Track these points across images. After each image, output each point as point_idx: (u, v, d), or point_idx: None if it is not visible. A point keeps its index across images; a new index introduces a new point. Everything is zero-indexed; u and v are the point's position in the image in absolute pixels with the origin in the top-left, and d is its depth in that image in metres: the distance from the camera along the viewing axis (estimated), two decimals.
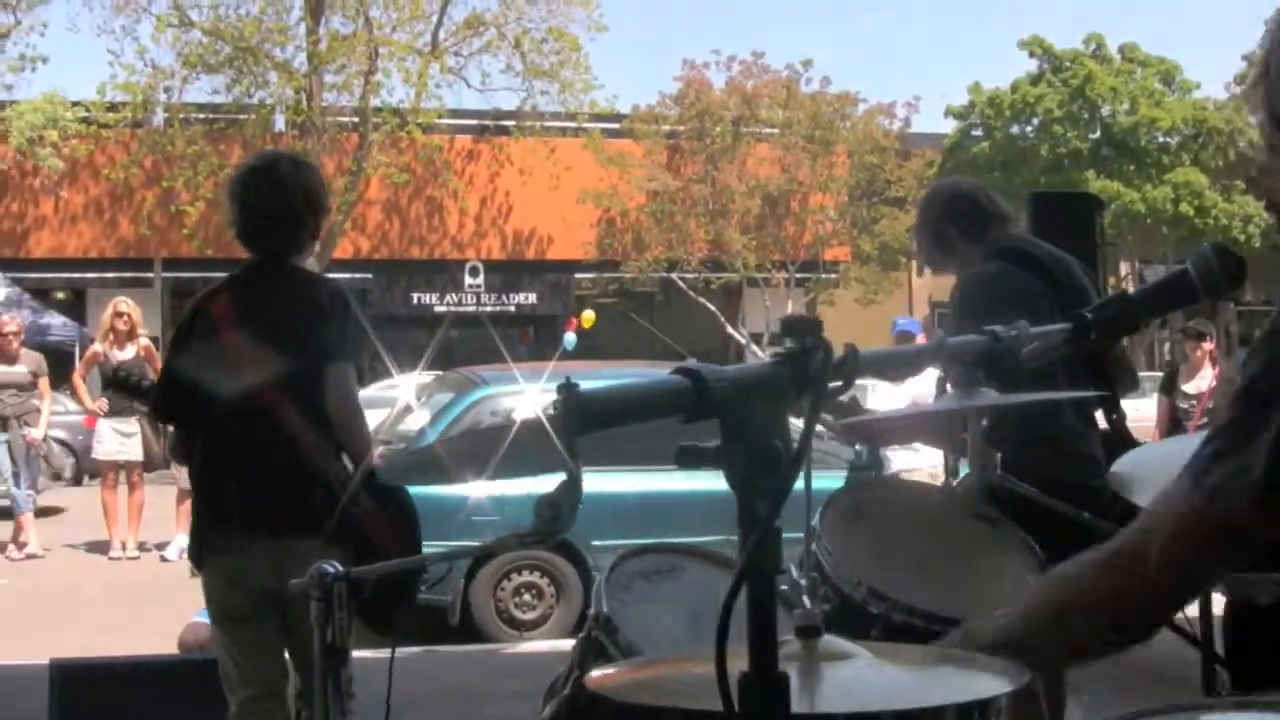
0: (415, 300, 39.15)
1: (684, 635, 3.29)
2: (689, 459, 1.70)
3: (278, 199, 5.19)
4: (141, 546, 15.73)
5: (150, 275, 36.88)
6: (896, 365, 2.31)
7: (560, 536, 2.75)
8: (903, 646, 2.73)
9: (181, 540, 14.91)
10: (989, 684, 2.37)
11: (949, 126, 43.27)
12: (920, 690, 2.28)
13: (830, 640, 2.22)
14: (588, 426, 1.57)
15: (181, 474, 14.22)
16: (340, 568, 3.20)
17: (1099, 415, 5.70)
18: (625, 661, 2.96)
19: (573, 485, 2.79)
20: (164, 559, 15.11)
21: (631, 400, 1.61)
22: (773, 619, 1.69)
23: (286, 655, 5.08)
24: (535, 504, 2.68)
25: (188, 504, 14.66)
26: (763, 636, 1.68)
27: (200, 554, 5.11)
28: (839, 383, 1.73)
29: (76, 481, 25.21)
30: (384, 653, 3.86)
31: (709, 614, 3.35)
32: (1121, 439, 5.61)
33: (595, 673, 2.41)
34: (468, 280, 39.40)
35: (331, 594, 3.19)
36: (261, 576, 4.85)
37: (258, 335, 5.02)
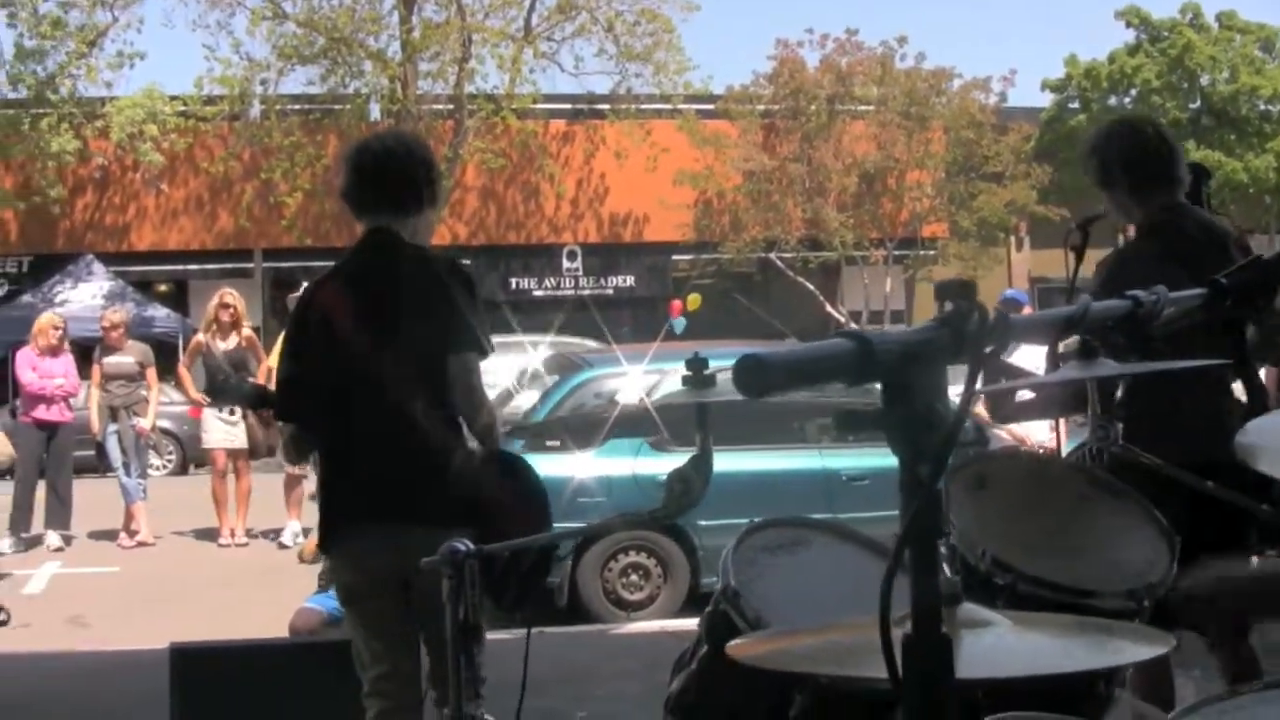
0: (514, 285, 39.20)
1: (810, 607, 3.30)
2: (849, 423, 1.70)
3: (383, 159, 5.23)
4: (249, 533, 15.93)
5: (250, 266, 37.13)
6: (1042, 330, 2.29)
7: (691, 510, 2.76)
8: (1035, 615, 2.72)
9: (294, 526, 15.08)
10: (1128, 650, 2.37)
11: (1046, 100, 42.86)
12: (1063, 656, 2.28)
13: (970, 608, 2.21)
14: (765, 390, 1.57)
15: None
16: (471, 545, 3.21)
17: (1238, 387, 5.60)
18: (757, 633, 2.97)
19: (704, 459, 2.80)
20: (282, 545, 15.20)
21: (802, 364, 1.61)
22: (936, 582, 1.68)
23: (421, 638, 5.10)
24: (667, 478, 2.69)
25: (297, 490, 14.88)
26: (926, 599, 1.68)
27: (327, 540, 5.17)
28: (991, 346, 1.72)
29: (182, 470, 25.60)
30: (507, 634, 3.89)
31: (834, 585, 3.37)
32: (1261, 407, 5.51)
33: (734, 643, 2.42)
34: (565, 264, 39.43)
35: (463, 571, 3.21)
36: (386, 561, 4.87)
37: (373, 324, 5.03)
